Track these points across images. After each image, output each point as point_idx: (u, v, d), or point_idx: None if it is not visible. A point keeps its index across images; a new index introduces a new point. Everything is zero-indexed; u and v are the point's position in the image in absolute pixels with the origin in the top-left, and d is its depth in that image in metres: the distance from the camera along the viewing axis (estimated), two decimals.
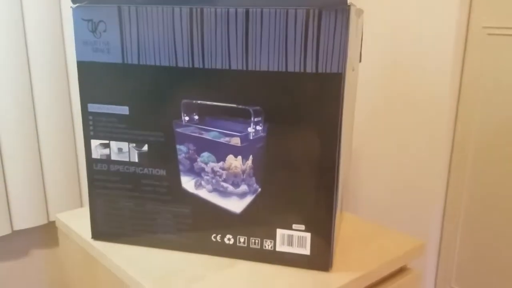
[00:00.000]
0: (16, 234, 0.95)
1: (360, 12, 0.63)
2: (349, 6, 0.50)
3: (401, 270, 0.68)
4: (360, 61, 0.73)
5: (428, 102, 1.07)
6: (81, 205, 0.97)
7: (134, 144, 0.62)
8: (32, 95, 0.88)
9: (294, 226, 0.60)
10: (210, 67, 0.56)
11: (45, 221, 0.92)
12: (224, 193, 0.61)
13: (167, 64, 0.58)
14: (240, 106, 0.57)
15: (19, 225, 0.90)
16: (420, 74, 1.07)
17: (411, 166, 1.13)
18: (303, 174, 0.57)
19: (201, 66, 0.57)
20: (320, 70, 0.53)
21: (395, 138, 1.15)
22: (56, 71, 0.88)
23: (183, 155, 0.61)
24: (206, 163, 0.61)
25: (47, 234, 0.99)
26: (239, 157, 0.59)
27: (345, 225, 0.74)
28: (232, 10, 0.53)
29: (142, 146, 0.62)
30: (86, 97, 0.62)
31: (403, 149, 1.14)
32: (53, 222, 0.98)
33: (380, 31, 1.13)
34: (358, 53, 0.69)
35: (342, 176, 0.61)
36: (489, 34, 0.98)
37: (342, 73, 0.52)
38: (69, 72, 0.91)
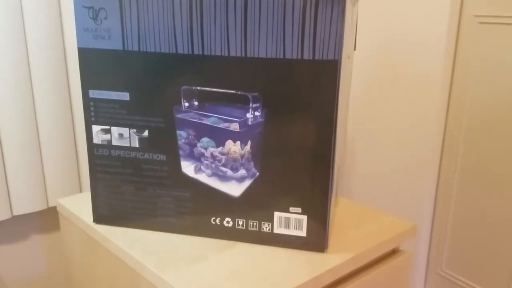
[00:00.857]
0: (16, 219, 0.96)
1: (355, 1, 0.65)
2: None
3: (394, 252, 0.71)
4: (354, 49, 0.74)
5: (421, 89, 1.09)
6: (80, 191, 0.98)
7: (134, 130, 0.64)
8: (31, 81, 0.88)
9: (291, 209, 0.61)
10: (209, 53, 0.58)
11: (45, 207, 0.94)
12: (223, 178, 0.63)
13: (167, 50, 0.59)
14: (239, 92, 0.58)
15: (18, 210, 0.91)
16: (413, 62, 1.09)
17: (404, 151, 1.15)
18: (300, 158, 0.59)
19: (200, 53, 0.58)
20: (317, 57, 0.54)
21: (388, 125, 1.17)
22: (55, 57, 0.89)
23: (183, 140, 0.62)
24: (205, 148, 0.62)
25: (46, 219, 1.00)
26: (238, 142, 0.61)
27: (340, 209, 0.76)
28: None
29: (143, 132, 0.63)
30: (87, 84, 0.63)
31: (396, 135, 1.16)
32: (53, 208, 1.00)
33: (373, 19, 1.15)
34: (353, 41, 0.70)
35: (337, 160, 0.63)
36: (480, 23, 0.99)
37: (338, 60, 0.54)
38: (67, 58, 0.91)
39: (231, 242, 0.65)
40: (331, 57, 0.54)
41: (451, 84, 1.07)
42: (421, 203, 1.14)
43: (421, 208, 1.14)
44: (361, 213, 0.74)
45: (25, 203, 0.91)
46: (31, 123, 0.89)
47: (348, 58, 0.64)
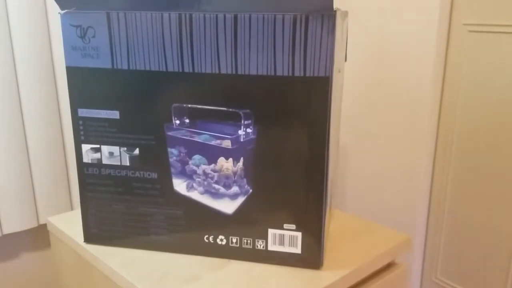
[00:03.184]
0: (6, 238, 0.95)
1: (345, 14, 0.65)
2: (335, 11, 0.51)
3: (389, 266, 0.70)
4: (345, 60, 0.74)
5: (412, 99, 1.09)
6: (71, 208, 0.97)
7: (125, 148, 0.63)
8: (20, 98, 0.87)
9: (285, 225, 0.61)
10: (199, 71, 0.57)
11: (35, 224, 0.92)
12: (216, 195, 0.62)
13: (157, 68, 0.58)
14: (230, 109, 0.58)
15: (9, 228, 0.90)
16: (405, 71, 1.09)
17: (396, 162, 1.15)
18: (293, 175, 0.59)
19: (191, 71, 0.57)
20: (308, 74, 0.54)
21: (380, 136, 1.17)
22: (44, 75, 0.88)
23: (175, 158, 0.62)
24: (197, 166, 0.61)
25: (38, 237, 0.99)
26: (230, 159, 0.60)
27: (334, 222, 0.75)
28: (220, 15, 0.54)
29: (134, 150, 0.62)
30: (76, 102, 0.62)
31: (389, 146, 1.16)
32: (43, 225, 0.98)
33: (363, 30, 1.15)
34: (344, 53, 0.70)
35: (330, 175, 0.63)
36: (470, 31, 1.00)
37: (329, 76, 0.53)
38: (56, 76, 0.90)
39: (225, 260, 0.64)
40: (322, 74, 0.53)
41: (442, 92, 1.07)
42: (415, 213, 1.14)
43: (415, 218, 1.14)
44: (356, 226, 0.73)
45: (15, 222, 0.90)
46: (20, 141, 0.88)
47: (339, 72, 0.64)
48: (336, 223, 0.75)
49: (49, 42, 0.88)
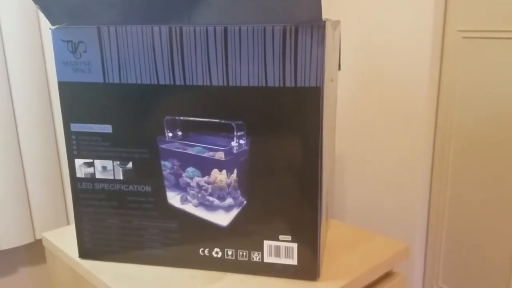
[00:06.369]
0: (2, 254, 0.94)
1: (336, 24, 0.65)
2: (324, 22, 0.51)
3: (388, 275, 0.70)
4: (339, 69, 0.74)
5: (408, 106, 1.09)
6: (68, 223, 0.96)
7: (118, 162, 0.62)
8: (14, 114, 0.87)
9: (281, 237, 0.60)
10: (191, 83, 0.57)
11: (32, 240, 0.92)
12: (210, 207, 0.61)
13: (148, 82, 0.58)
14: (222, 121, 0.58)
15: (4, 244, 0.89)
16: (399, 78, 1.09)
17: (394, 170, 1.15)
18: (287, 185, 0.58)
19: (182, 83, 0.57)
20: (299, 84, 0.54)
21: (377, 144, 1.17)
22: (38, 90, 0.88)
23: (168, 170, 0.61)
24: (191, 178, 0.61)
25: (34, 252, 0.98)
26: (224, 171, 0.60)
27: (331, 232, 0.75)
28: (210, 28, 0.54)
29: (127, 164, 0.62)
30: (68, 117, 0.62)
31: (386, 154, 1.16)
32: (40, 240, 0.98)
33: (358, 38, 1.15)
34: (337, 63, 0.70)
35: (325, 184, 0.62)
36: (464, 37, 1.00)
37: (320, 86, 0.53)
38: (51, 91, 0.90)
39: (221, 273, 0.63)
40: (313, 84, 0.53)
41: (437, 99, 1.07)
42: (414, 220, 1.13)
43: (415, 226, 1.13)
44: (353, 236, 0.73)
45: (11, 238, 0.89)
46: (16, 156, 0.87)
47: (332, 81, 0.64)
48: (333, 233, 0.74)
49: (43, 58, 0.88)
